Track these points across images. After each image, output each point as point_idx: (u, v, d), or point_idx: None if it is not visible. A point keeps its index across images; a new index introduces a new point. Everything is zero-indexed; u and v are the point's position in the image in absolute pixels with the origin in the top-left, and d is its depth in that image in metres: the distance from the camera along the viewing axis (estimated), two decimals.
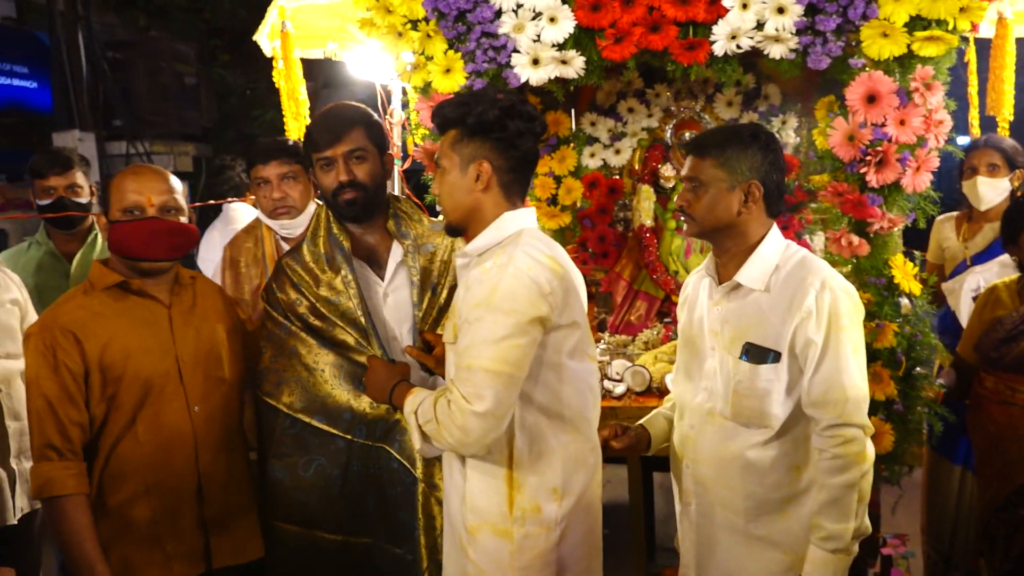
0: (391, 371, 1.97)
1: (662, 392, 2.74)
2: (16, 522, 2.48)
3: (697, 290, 2.08)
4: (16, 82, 9.78)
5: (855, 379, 1.82)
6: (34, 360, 1.92)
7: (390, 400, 1.92)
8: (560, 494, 1.79)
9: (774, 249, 1.93)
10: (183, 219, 2.04)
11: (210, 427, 2.04)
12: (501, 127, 1.80)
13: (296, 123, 3.26)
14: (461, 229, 1.86)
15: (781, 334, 1.85)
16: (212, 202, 4.72)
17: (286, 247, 2.75)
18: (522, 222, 1.84)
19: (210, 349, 2.08)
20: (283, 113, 3.28)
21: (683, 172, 1.98)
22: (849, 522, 1.80)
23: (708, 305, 2.00)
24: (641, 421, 2.17)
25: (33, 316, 2.66)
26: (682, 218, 1.98)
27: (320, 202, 2.83)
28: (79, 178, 3.06)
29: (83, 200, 3.07)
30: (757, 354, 1.87)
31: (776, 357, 1.85)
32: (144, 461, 1.95)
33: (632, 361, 2.90)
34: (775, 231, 1.96)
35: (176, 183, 2.07)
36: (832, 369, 1.81)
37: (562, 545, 1.80)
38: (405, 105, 3.42)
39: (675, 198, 2.03)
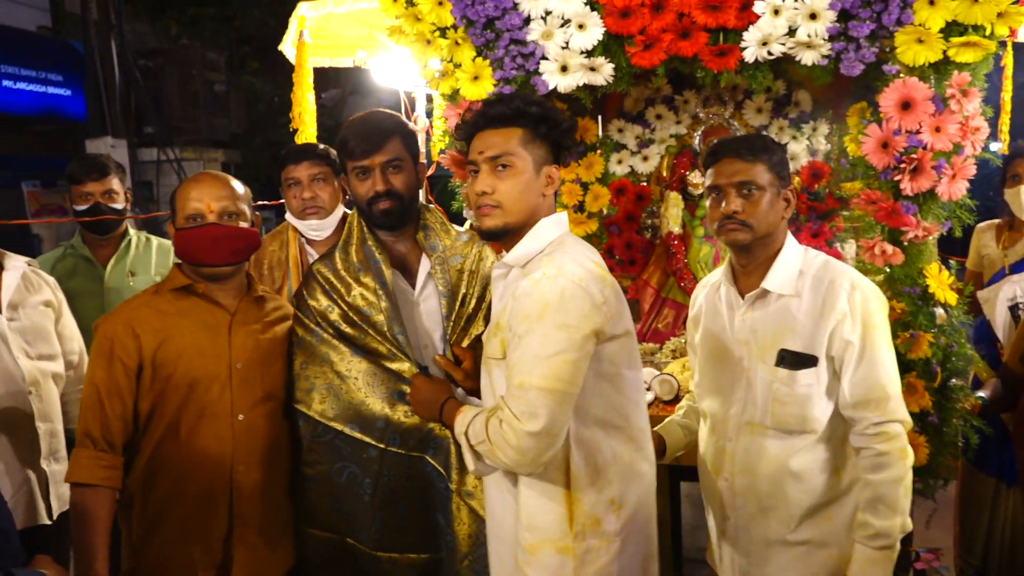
0: (438, 388, 1.94)
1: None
2: (50, 522, 2.51)
3: (712, 302, 2.06)
4: (51, 90, 9.97)
5: (892, 376, 1.84)
6: (94, 351, 1.97)
7: (440, 418, 1.89)
8: (618, 505, 1.76)
9: (794, 254, 1.93)
10: (243, 224, 2.05)
11: (251, 439, 2.02)
12: (569, 138, 1.82)
13: (304, 133, 3.28)
14: (513, 233, 1.79)
15: (816, 338, 1.84)
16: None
17: (311, 251, 2.77)
18: (559, 227, 1.81)
19: (266, 362, 2.08)
20: (292, 118, 3.32)
21: (723, 177, 1.91)
22: (895, 517, 1.79)
23: (730, 315, 1.98)
24: (656, 428, 2.15)
25: (69, 318, 2.69)
26: (731, 226, 1.90)
27: (348, 209, 2.87)
28: (115, 184, 3.11)
29: (119, 206, 3.11)
30: (794, 360, 1.85)
31: (813, 361, 1.85)
32: (182, 463, 1.96)
33: (660, 370, 2.89)
34: (791, 237, 1.98)
35: (238, 188, 2.08)
36: (870, 368, 1.82)
37: (622, 556, 1.77)
38: (429, 112, 3.44)
39: (719, 205, 1.94)
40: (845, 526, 1.87)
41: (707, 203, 1.97)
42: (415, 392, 1.97)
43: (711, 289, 2.08)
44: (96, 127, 8.63)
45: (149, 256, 3.20)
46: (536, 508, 1.75)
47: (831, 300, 1.83)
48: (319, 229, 2.75)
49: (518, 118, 1.79)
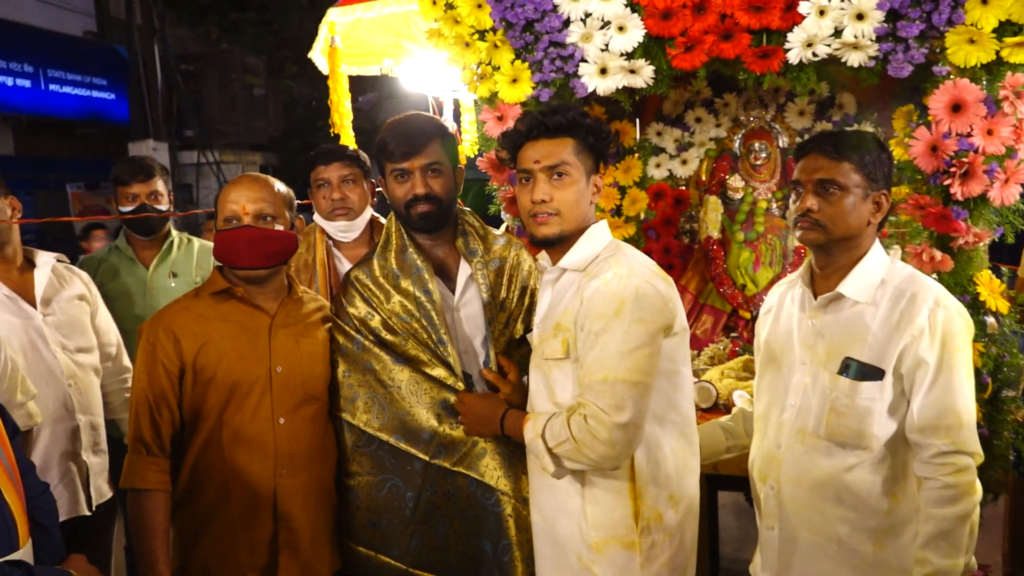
0: (492, 402, 1.96)
1: (729, 409, 2.67)
2: (89, 513, 2.55)
3: (783, 302, 2.01)
4: (96, 94, 10.21)
5: (968, 403, 1.73)
6: (139, 356, 2.00)
7: (501, 431, 1.91)
8: (676, 500, 1.81)
9: (879, 262, 1.85)
10: (279, 226, 2.05)
11: (293, 443, 2.02)
12: (609, 148, 1.87)
13: (342, 137, 3.31)
14: (567, 240, 1.85)
15: (886, 351, 1.76)
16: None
17: (338, 254, 2.78)
18: (606, 232, 1.88)
19: (307, 365, 2.07)
20: (331, 124, 3.36)
21: (805, 173, 1.86)
22: (959, 557, 1.69)
23: (800, 317, 1.93)
24: None
25: (104, 311, 2.75)
26: (803, 224, 1.86)
27: (376, 213, 2.88)
28: (160, 186, 3.15)
29: (163, 207, 3.16)
30: (858, 370, 1.78)
31: (879, 374, 1.76)
32: (225, 467, 1.97)
33: (698, 377, 2.85)
34: (879, 244, 1.88)
35: (278, 189, 2.08)
36: (945, 392, 1.71)
37: (681, 551, 1.82)
38: (457, 116, 3.44)
39: (797, 201, 1.88)
40: (897, 558, 1.77)
41: (791, 197, 1.93)
42: (467, 409, 1.97)
43: (786, 288, 2.04)
44: (139, 130, 8.82)
45: (191, 257, 3.24)
46: (603, 506, 1.79)
47: (909, 314, 1.75)
48: (347, 231, 2.76)
49: (572, 128, 1.84)
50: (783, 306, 2.01)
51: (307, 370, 2.07)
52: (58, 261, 2.65)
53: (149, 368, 1.96)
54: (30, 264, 2.56)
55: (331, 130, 3.22)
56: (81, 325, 2.61)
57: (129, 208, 3.10)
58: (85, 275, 2.74)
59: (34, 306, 2.48)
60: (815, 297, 1.91)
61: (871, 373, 1.77)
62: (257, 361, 2.01)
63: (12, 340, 2.37)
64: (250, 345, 2.02)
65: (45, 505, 1.64)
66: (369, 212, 2.79)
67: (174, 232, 3.26)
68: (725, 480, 2.70)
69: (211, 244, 3.28)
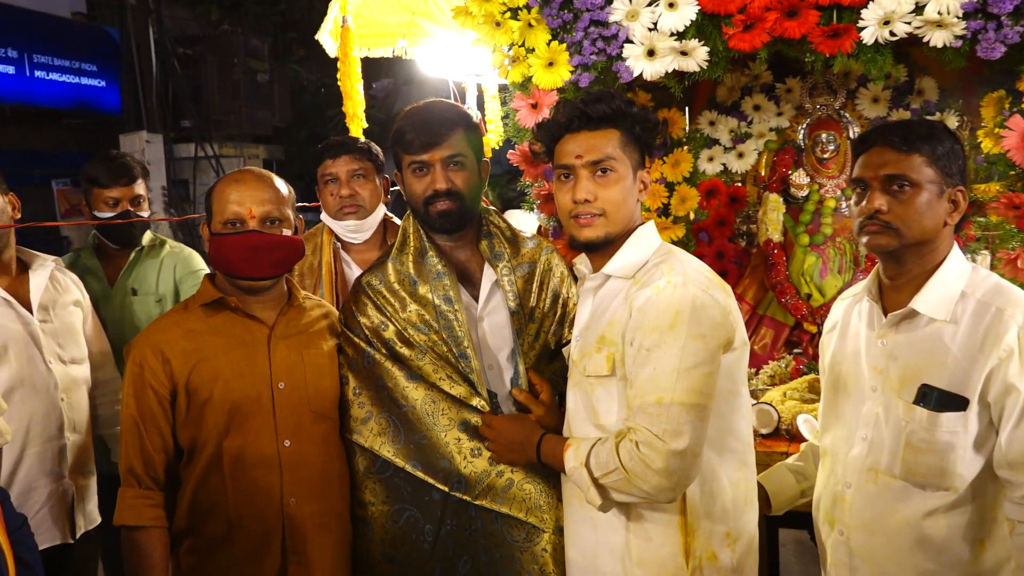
0: (526, 426, 1.96)
1: (792, 436, 2.65)
2: (73, 541, 2.58)
3: (849, 318, 1.98)
4: (84, 80, 10.39)
5: None
6: (126, 379, 2.01)
7: (538, 459, 1.91)
8: (734, 539, 1.79)
9: (959, 271, 1.80)
10: (287, 231, 2.06)
11: (301, 467, 2.02)
12: (656, 139, 1.87)
13: (354, 123, 3.33)
14: (612, 243, 1.86)
15: (970, 376, 1.71)
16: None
17: (346, 257, 2.80)
18: (655, 234, 1.87)
19: (313, 381, 2.08)
20: (343, 112, 3.38)
21: (870, 169, 1.82)
22: None
23: (868, 336, 1.89)
24: (758, 477, 2.07)
25: (94, 319, 2.79)
26: (871, 227, 1.81)
27: (389, 214, 2.90)
28: (143, 189, 3.15)
29: (145, 213, 3.15)
30: (938, 399, 1.73)
31: (963, 404, 1.72)
32: (228, 497, 1.98)
33: (757, 398, 2.83)
34: (958, 250, 1.83)
35: (282, 189, 2.09)
36: None
37: None
38: (480, 104, 3.46)
39: (862, 202, 1.85)
40: None
41: (852, 198, 1.90)
42: (497, 434, 1.97)
43: (851, 302, 2.00)
44: (131, 121, 8.96)
45: (153, 268, 3.19)
46: (650, 542, 1.78)
47: (996, 332, 1.70)
48: (357, 231, 2.77)
49: (617, 118, 1.83)
50: (849, 322, 1.98)
51: (312, 385, 2.07)
52: (55, 264, 2.70)
53: (137, 392, 1.97)
54: (23, 266, 2.60)
55: (346, 119, 3.25)
56: (76, 334, 2.66)
57: (108, 214, 3.06)
58: (77, 279, 2.78)
59: (30, 311, 2.52)
60: (885, 314, 1.86)
61: (952, 402, 1.72)
62: (256, 378, 2.01)
63: (8, 348, 2.41)
64: (248, 360, 2.02)
65: (25, 539, 1.66)
66: (381, 211, 2.80)
67: (147, 237, 3.24)
68: (787, 516, 2.68)
69: (183, 249, 3.28)
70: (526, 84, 2.56)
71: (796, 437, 2.60)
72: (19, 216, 2.58)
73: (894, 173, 1.78)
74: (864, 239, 1.83)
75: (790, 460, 2.19)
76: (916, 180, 1.76)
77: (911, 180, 1.76)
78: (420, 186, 2.09)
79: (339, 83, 3.33)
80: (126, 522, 1.95)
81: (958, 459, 1.73)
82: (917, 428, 1.75)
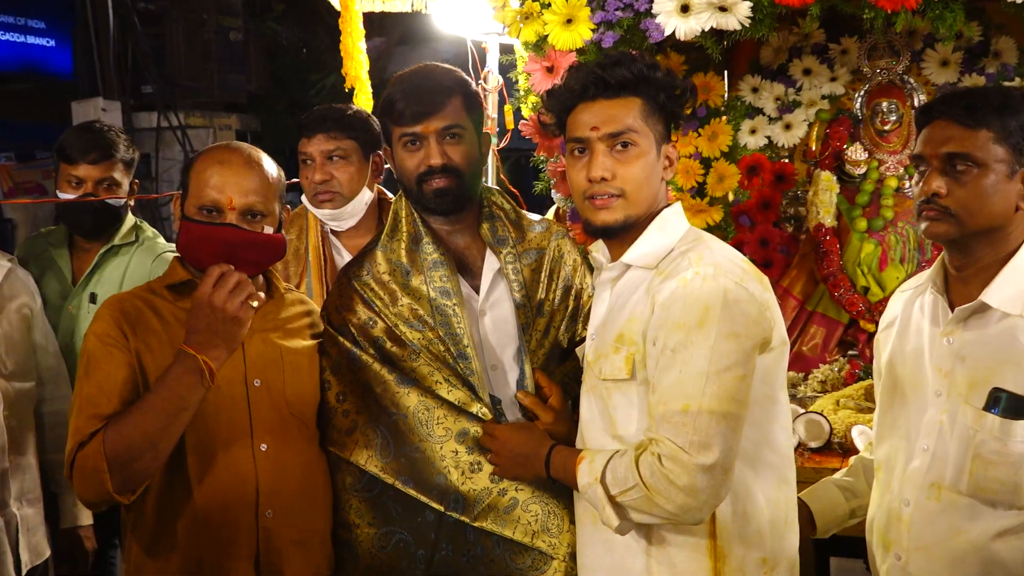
0: (531, 435, 1.97)
1: (846, 450, 2.66)
2: None
3: (911, 313, 1.99)
4: (31, 39, 10.41)
5: None
6: (83, 354, 1.99)
7: (547, 472, 1.92)
8: (771, 566, 1.81)
9: None
10: (269, 228, 2.06)
11: (279, 476, 2.04)
12: (685, 108, 1.88)
13: (359, 88, 3.33)
14: (633, 228, 1.87)
15: None
16: None
17: (336, 242, 2.83)
18: (682, 218, 1.89)
19: (292, 381, 2.10)
20: (344, 75, 3.38)
21: (929, 146, 1.84)
22: None
23: (932, 334, 1.90)
24: (800, 494, 2.09)
25: (44, 328, 2.78)
26: (929, 212, 1.83)
27: (384, 190, 2.90)
28: (118, 172, 3.00)
29: (117, 203, 3.02)
30: (1010, 405, 1.75)
31: None
32: (195, 508, 1.99)
33: (805, 407, 2.83)
34: None
35: (272, 176, 2.07)
36: None
37: None
38: (504, 68, 3.46)
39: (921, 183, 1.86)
40: None
41: (914, 178, 1.91)
42: (501, 445, 1.99)
43: (912, 294, 2.01)
44: (85, 86, 8.97)
45: (117, 269, 3.07)
46: (673, 568, 1.79)
47: None
48: (335, 219, 2.78)
49: (639, 85, 1.84)
50: (910, 318, 1.99)
51: (291, 386, 2.09)
52: (10, 263, 2.66)
53: (98, 358, 1.96)
54: None
55: (345, 84, 3.24)
56: (23, 342, 2.66)
57: (71, 195, 2.95)
58: (32, 282, 2.75)
59: None
60: (952, 308, 1.88)
61: None
62: (229, 371, 2.02)
63: None
64: None
65: None
66: (365, 196, 2.79)
67: (123, 230, 3.10)
68: (840, 543, 2.68)
69: (158, 245, 3.15)
70: (540, 44, 2.57)
71: (851, 451, 2.60)
72: None
73: (956, 151, 1.79)
74: (923, 225, 1.85)
75: (838, 475, 2.20)
76: (981, 159, 1.78)
77: (975, 159, 1.78)
78: (412, 162, 2.11)
79: (341, 40, 3.32)
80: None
81: None
82: (987, 438, 1.77)
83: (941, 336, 1.88)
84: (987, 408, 1.78)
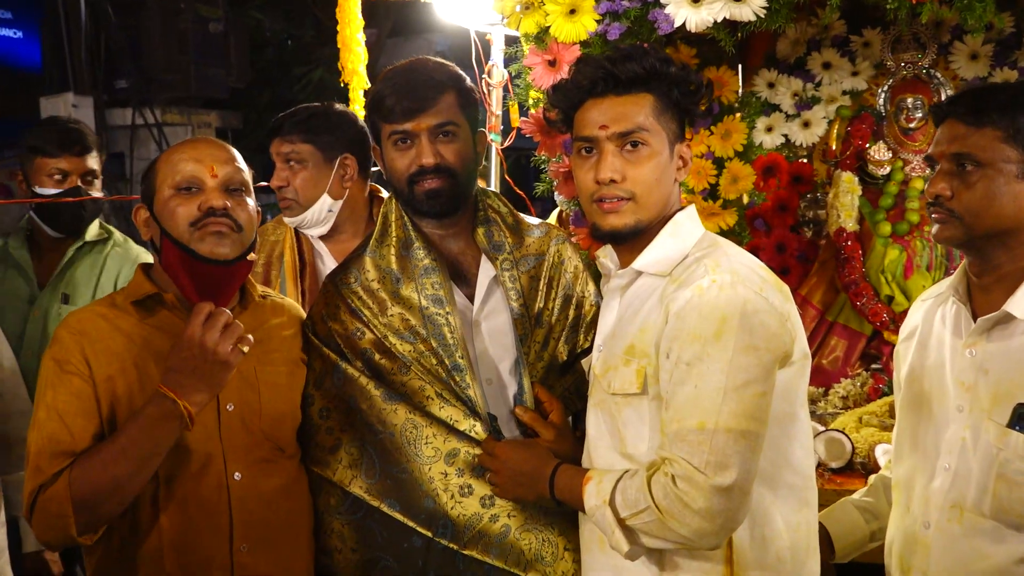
0: (534, 452, 1.97)
1: (868, 470, 2.66)
2: None
3: (932, 323, 2.01)
4: None
5: None
6: (43, 378, 1.98)
7: (552, 494, 1.92)
8: None
9: None
10: (250, 200, 2.07)
11: (254, 507, 2.04)
12: (699, 104, 1.89)
13: (355, 83, 3.34)
14: (644, 233, 1.88)
15: None
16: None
17: (320, 248, 2.84)
18: (697, 222, 1.90)
19: (269, 402, 2.10)
20: (340, 69, 3.39)
21: (938, 146, 1.89)
22: None
23: (954, 346, 1.92)
24: (819, 515, 2.09)
25: (3, 348, 2.77)
26: (935, 215, 1.89)
27: (379, 188, 2.91)
28: (97, 165, 3.16)
29: (97, 193, 3.15)
30: None
31: None
32: (164, 538, 1.98)
33: (825, 424, 2.84)
34: None
35: (241, 158, 2.10)
36: None
37: None
38: (509, 61, 3.47)
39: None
40: None
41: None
42: (501, 464, 1.99)
43: (933, 304, 2.04)
44: (54, 80, 8.97)
45: (91, 268, 3.16)
46: None
47: None
48: (303, 227, 2.81)
49: (651, 80, 1.85)
50: (931, 329, 2.01)
51: (268, 408, 2.08)
52: None
53: (54, 382, 1.95)
54: None
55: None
56: None
57: (53, 190, 3.05)
58: None
59: None
60: (974, 318, 1.89)
61: None
62: None
63: None
64: None
65: None
66: (326, 203, 2.79)
67: (93, 228, 3.20)
68: (859, 571, 2.69)
69: (131, 247, 3.23)
70: (542, 36, 2.57)
71: (874, 472, 2.60)
72: None
73: (959, 151, 1.83)
74: (933, 229, 1.90)
75: (856, 495, 2.22)
76: (985, 160, 1.81)
77: (980, 160, 1.82)
78: (403, 161, 2.12)
79: (338, 30, 3.34)
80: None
81: None
82: (1012, 456, 1.79)
83: (963, 348, 1.89)
84: (1011, 425, 1.80)
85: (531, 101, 2.69)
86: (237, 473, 2.03)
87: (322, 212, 2.79)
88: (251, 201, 2.07)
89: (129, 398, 1.96)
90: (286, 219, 2.80)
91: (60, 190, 3.05)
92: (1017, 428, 1.78)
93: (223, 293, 2.03)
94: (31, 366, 2.84)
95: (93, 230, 3.16)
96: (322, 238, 2.84)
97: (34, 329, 3.00)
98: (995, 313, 1.84)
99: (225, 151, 2.07)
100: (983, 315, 1.87)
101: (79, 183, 3.06)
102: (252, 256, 2.07)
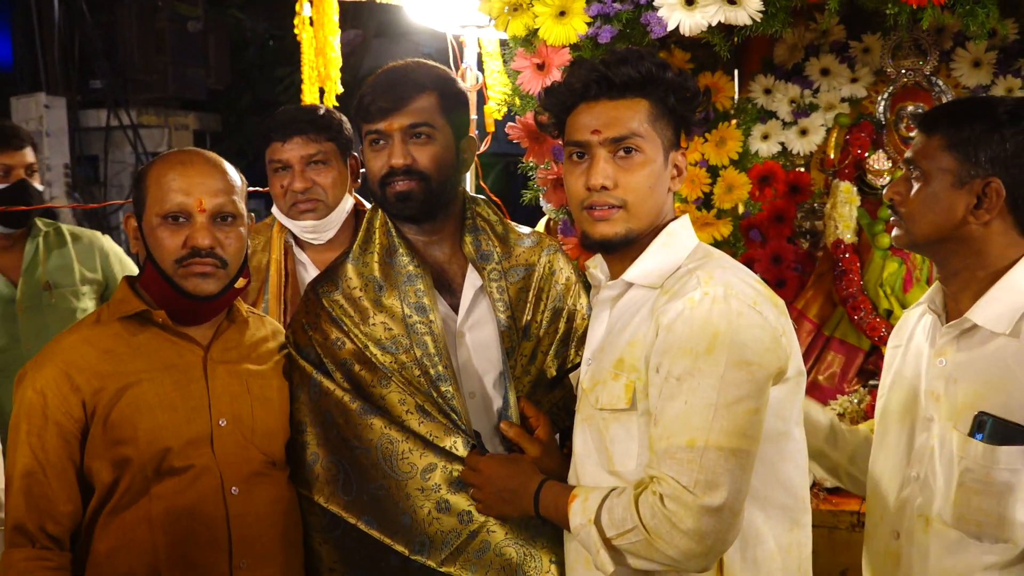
0: (518, 468, 1.97)
1: None
2: None
3: (915, 332, 2.05)
4: None
5: None
6: (18, 410, 2.00)
7: (536, 511, 1.92)
8: None
9: None
10: (242, 229, 2.09)
11: (253, 523, 2.05)
12: (696, 111, 1.91)
13: (312, 87, 3.34)
14: (635, 243, 1.88)
15: None
16: None
17: (302, 258, 2.84)
18: (691, 233, 1.91)
19: (261, 416, 2.11)
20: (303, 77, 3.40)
21: (907, 153, 1.96)
22: None
23: (928, 355, 1.96)
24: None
25: None
26: (892, 219, 1.98)
27: (360, 199, 2.90)
28: (32, 156, 3.23)
29: (39, 186, 3.21)
30: (995, 430, 1.80)
31: None
32: (160, 556, 1.98)
33: None
34: None
35: (235, 176, 2.11)
36: None
37: None
38: (482, 64, 3.47)
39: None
40: None
41: None
42: (485, 480, 1.98)
43: (919, 312, 2.09)
44: (26, 80, 8.94)
45: (66, 257, 3.24)
46: None
47: None
48: (317, 231, 2.80)
49: (646, 85, 1.86)
50: (913, 337, 2.05)
51: (261, 421, 2.10)
52: None
53: (37, 430, 1.97)
54: None
55: (298, 82, 3.26)
56: None
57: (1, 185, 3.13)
58: None
59: None
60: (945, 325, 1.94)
61: (1014, 434, 1.78)
62: (192, 412, 2.04)
63: None
64: (180, 391, 2.04)
65: None
66: (348, 203, 2.81)
67: (38, 222, 3.28)
68: None
69: (86, 232, 3.36)
70: (530, 39, 2.57)
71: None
72: None
73: (909, 157, 1.93)
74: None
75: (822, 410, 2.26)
76: (926, 167, 1.89)
77: (921, 166, 1.89)
78: (377, 162, 2.14)
79: (301, 36, 3.34)
80: None
81: (1019, 503, 1.79)
82: (972, 465, 1.83)
83: (935, 357, 1.94)
84: (972, 434, 1.83)
85: (519, 106, 2.68)
86: (234, 488, 2.05)
87: (343, 212, 2.80)
88: (242, 229, 2.09)
89: (121, 410, 1.99)
90: (307, 222, 2.77)
91: (7, 184, 3.12)
92: (977, 436, 1.82)
93: (206, 320, 2.09)
94: (31, 355, 2.88)
95: (39, 222, 3.27)
96: (301, 246, 2.83)
97: (27, 320, 3.07)
98: (957, 320, 1.90)
99: (216, 178, 2.07)
100: (950, 322, 1.92)
101: (23, 175, 3.14)
102: (241, 282, 2.10)
